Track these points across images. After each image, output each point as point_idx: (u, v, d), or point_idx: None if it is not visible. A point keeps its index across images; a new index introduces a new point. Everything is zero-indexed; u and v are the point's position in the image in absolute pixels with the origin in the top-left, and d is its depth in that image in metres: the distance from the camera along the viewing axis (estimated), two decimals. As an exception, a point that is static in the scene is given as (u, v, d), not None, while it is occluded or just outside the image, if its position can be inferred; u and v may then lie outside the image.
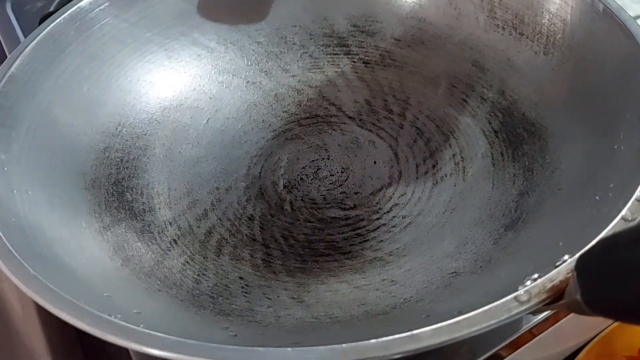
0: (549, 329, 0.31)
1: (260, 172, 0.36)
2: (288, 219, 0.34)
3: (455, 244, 0.31)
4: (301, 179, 0.36)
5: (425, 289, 0.29)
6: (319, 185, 0.35)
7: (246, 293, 0.30)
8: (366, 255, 0.32)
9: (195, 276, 0.30)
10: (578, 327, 0.31)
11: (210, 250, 0.32)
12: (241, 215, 0.34)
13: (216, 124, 0.39)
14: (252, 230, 0.33)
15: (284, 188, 0.35)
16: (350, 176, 0.36)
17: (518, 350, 0.30)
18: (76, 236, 0.29)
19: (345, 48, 0.43)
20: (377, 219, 0.33)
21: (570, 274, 0.19)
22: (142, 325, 0.20)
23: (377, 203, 0.34)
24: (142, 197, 0.34)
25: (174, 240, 0.33)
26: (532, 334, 0.31)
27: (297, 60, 0.42)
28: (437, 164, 0.36)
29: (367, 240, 0.32)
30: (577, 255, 0.20)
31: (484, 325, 0.19)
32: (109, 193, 0.33)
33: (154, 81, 0.39)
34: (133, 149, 0.37)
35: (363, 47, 0.42)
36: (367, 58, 0.42)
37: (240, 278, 0.31)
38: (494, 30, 0.38)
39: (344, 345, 0.19)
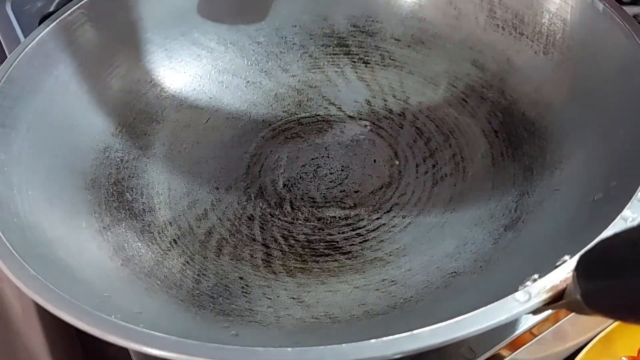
0: (549, 329, 0.31)
1: (260, 171, 0.36)
2: (288, 218, 0.34)
3: (455, 244, 0.31)
4: (301, 177, 0.36)
5: (425, 289, 0.29)
6: (319, 184, 0.35)
7: (246, 293, 0.30)
8: (366, 255, 0.32)
9: (195, 276, 0.30)
10: (578, 327, 0.31)
11: (210, 250, 0.32)
12: (241, 215, 0.34)
13: (216, 124, 0.39)
14: (252, 230, 0.33)
15: (283, 187, 0.35)
16: (350, 175, 0.36)
17: (518, 350, 0.30)
18: (76, 236, 0.29)
19: (345, 48, 0.43)
20: (377, 218, 0.33)
21: (570, 274, 0.19)
22: (142, 325, 0.20)
23: (377, 202, 0.34)
24: (142, 197, 0.34)
25: (174, 240, 0.33)
26: (532, 334, 0.31)
27: (297, 60, 0.42)
28: (437, 163, 0.36)
29: (367, 240, 0.32)
30: (577, 255, 0.20)
31: (484, 325, 0.19)
32: (109, 193, 0.33)
33: (154, 81, 0.39)
34: (133, 149, 0.37)
35: (363, 47, 0.43)
36: (367, 58, 0.42)
37: (240, 278, 0.31)
38: (494, 30, 0.38)
39: (344, 345, 0.19)
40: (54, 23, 0.34)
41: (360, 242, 0.32)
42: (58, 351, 0.34)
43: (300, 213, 0.34)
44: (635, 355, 0.31)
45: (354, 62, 0.42)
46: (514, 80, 0.37)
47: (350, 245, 0.32)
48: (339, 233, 0.33)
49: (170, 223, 0.33)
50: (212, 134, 0.39)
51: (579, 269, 0.18)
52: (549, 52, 0.35)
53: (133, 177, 0.35)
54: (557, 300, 0.20)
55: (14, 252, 0.23)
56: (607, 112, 0.30)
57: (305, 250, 0.32)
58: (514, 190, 0.33)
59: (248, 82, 0.42)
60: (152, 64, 0.39)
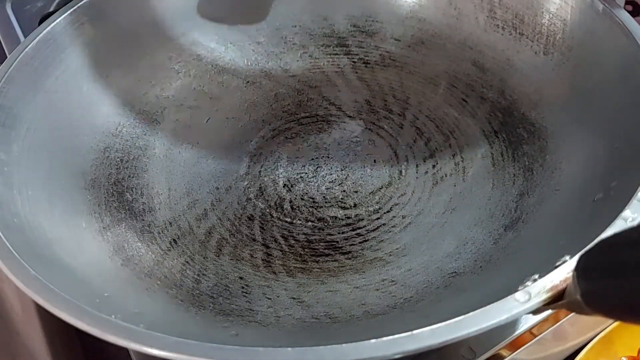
0: (549, 329, 0.31)
1: (260, 172, 0.36)
2: (288, 218, 0.34)
3: (455, 244, 0.31)
4: (301, 177, 0.36)
5: (425, 289, 0.29)
6: (319, 184, 0.35)
7: (246, 293, 0.30)
8: (366, 255, 0.32)
9: (195, 276, 0.30)
10: (578, 327, 0.31)
11: (210, 250, 0.32)
12: (241, 215, 0.34)
13: (216, 124, 0.39)
14: (252, 230, 0.33)
15: (283, 187, 0.35)
16: (350, 175, 0.36)
17: (518, 350, 0.30)
18: (76, 236, 0.29)
19: (345, 48, 0.43)
20: (377, 218, 0.33)
21: (570, 274, 0.19)
22: (142, 325, 0.20)
23: (377, 202, 0.34)
24: (142, 197, 0.34)
25: (174, 240, 0.33)
26: (532, 334, 0.31)
27: (297, 60, 0.42)
28: (437, 164, 0.36)
29: (367, 240, 0.32)
30: (577, 255, 0.20)
31: (484, 325, 0.19)
32: (109, 193, 0.34)
33: (154, 81, 0.39)
34: (133, 149, 0.37)
35: (363, 47, 0.43)
36: (367, 58, 0.42)
37: (240, 278, 0.31)
38: (494, 30, 0.38)
39: (344, 345, 0.19)
40: (54, 23, 0.34)
41: (360, 242, 0.32)
42: (58, 351, 0.34)
43: (300, 213, 0.34)
44: (635, 355, 0.31)
45: (354, 62, 0.42)
46: (514, 80, 0.37)
47: (350, 245, 0.32)
48: (339, 233, 0.33)
49: (170, 223, 0.33)
50: (212, 134, 0.39)
51: (579, 269, 0.18)
52: (549, 52, 0.35)
53: (133, 177, 0.35)
54: (557, 300, 0.20)
55: (14, 252, 0.23)
56: (607, 112, 0.30)
57: (305, 250, 0.32)
58: (514, 190, 0.33)
59: (248, 82, 0.42)
60: (152, 64, 0.39)
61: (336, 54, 0.43)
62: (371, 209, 0.34)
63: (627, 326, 0.30)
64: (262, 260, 0.32)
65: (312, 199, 0.35)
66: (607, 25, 0.31)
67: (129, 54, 0.38)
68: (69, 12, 0.35)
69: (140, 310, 0.25)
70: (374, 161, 0.37)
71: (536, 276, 0.20)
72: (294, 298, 0.29)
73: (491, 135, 0.36)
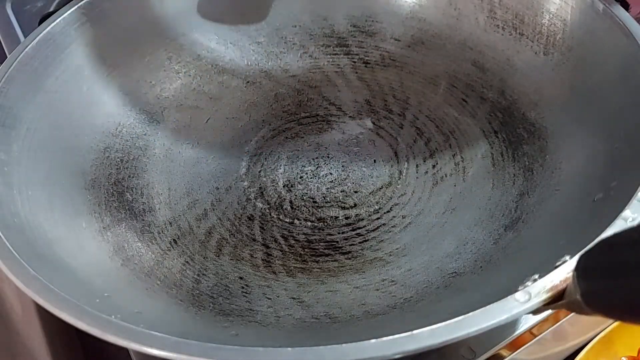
0: (549, 329, 0.31)
1: (260, 172, 0.36)
2: (288, 218, 0.34)
3: (455, 244, 0.31)
4: (301, 177, 0.36)
5: (425, 289, 0.29)
6: (319, 184, 0.35)
7: (246, 293, 0.30)
8: (366, 255, 0.32)
9: (195, 276, 0.30)
10: (578, 327, 0.31)
11: (210, 250, 0.32)
12: (241, 215, 0.34)
13: (216, 124, 0.39)
14: (252, 230, 0.33)
15: (283, 187, 0.35)
16: (350, 175, 0.36)
17: (518, 350, 0.30)
18: (76, 236, 0.29)
19: (345, 48, 0.43)
20: (377, 218, 0.33)
21: (570, 274, 0.19)
22: (142, 325, 0.20)
23: (377, 202, 0.34)
24: (142, 197, 0.34)
25: (174, 240, 0.33)
26: (532, 334, 0.31)
27: (297, 60, 0.42)
28: (437, 164, 0.36)
29: (367, 240, 0.32)
30: (577, 255, 0.20)
31: (484, 325, 0.19)
32: (109, 193, 0.34)
33: (154, 81, 0.39)
34: (133, 149, 0.37)
35: (363, 47, 0.43)
36: (367, 58, 0.42)
37: (240, 278, 0.31)
38: (494, 30, 0.38)
39: (344, 345, 0.19)
40: (54, 23, 0.34)
41: (360, 242, 0.32)
42: (58, 351, 0.34)
43: (300, 213, 0.34)
44: (635, 355, 0.31)
45: (354, 62, 0.42)
46: (514, 80, 0.37)
47: (350, 245, 0.32)
48: (339, 233, 0.33)
49: (170, 223, 0.33)
50: (212, 134, 0.39)
51: (579, 269, 0.18)
52: (549, 52, 0.35)
53: (133, 177, 0.35)
54: (557, 300, 0.20)
55: (14, 252, 0.23)
56: (607, 112, 0.30)
57: (305, 250, 0.32)
58: (514, 190, 0.33)
59: (248, 82, 0.42)
60: (152, 64, 0.39)
61: (336, 54, 0.43)
62: (371, 209, 0.34)
63: (627, 326, 0.30)
64: (262, 260, 0.32)
65: (312, 199, 0.35)
66: (607, 25, 0.31)
67: (129, 54, 0.38)
68: (69, 12, 0.35)
69: (140, 310, 0.25)
70: (374, 161, 0.37)
71: (536, 276, 0.20)
72: (294, 298, 0.29)
73: (491, 135, 0.36)
